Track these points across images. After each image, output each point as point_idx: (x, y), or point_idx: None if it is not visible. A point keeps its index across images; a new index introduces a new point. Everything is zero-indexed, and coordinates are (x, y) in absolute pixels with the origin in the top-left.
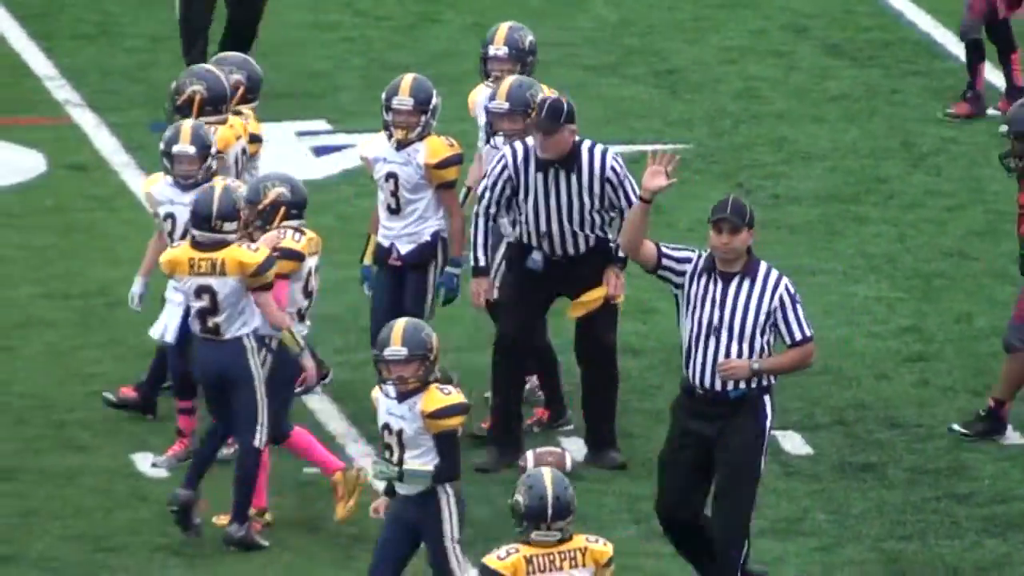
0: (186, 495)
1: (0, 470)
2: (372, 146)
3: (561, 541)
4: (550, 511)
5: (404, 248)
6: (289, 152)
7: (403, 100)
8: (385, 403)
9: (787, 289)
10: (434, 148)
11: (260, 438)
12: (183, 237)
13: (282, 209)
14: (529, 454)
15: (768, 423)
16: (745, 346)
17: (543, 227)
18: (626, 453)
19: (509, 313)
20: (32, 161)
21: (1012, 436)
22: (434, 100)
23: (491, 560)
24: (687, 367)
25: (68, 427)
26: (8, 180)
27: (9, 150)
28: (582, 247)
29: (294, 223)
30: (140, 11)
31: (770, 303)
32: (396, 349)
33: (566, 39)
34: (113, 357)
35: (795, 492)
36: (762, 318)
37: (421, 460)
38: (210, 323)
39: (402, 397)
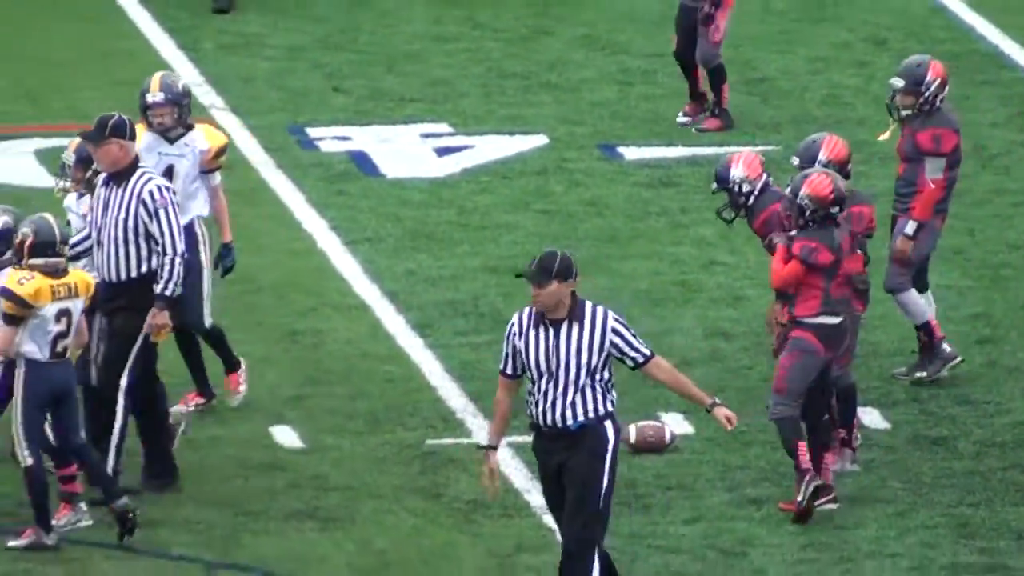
0: (120, 505)
1: None
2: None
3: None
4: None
5: None
6: (414, 152)
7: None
8: None
9: (615, 322)
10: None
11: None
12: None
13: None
14: (632, 427)
15: (611, 445)
16: (583, 383)
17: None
18: (716, 426)
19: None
20: None
21: None
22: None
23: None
24: (531, 408)
25: (214, 402)
26: None
27: None
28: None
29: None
30: (277, 24)
31: (602, 341)
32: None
33: (666, 49)
34: (258, 338)
35: (873, 463)
36: (595, 357)
37: None
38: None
39: None
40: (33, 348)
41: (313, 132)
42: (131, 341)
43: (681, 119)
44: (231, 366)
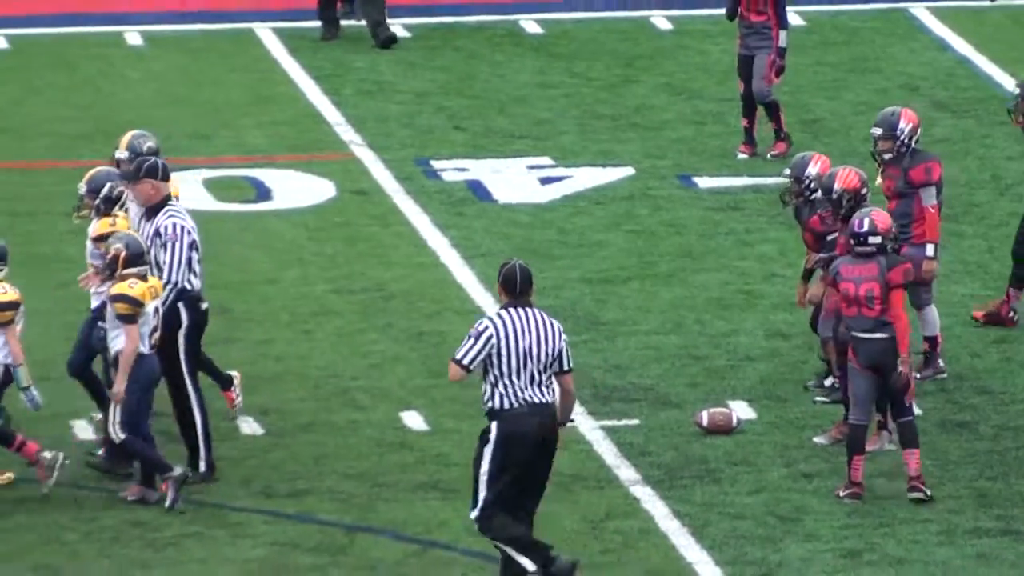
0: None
1: (301, 424)
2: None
3: None
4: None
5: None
6: (521, 181)
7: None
8: None
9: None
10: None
11: None
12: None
13: None
14: (704, 413)
15: (492, 442)
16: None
17: None
18: (775, 412)
19: None
20: (325, 188)
21: None
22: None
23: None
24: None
25: (351, 392)
26: (307, 202)
27: (308, 180)
28: None
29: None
30: (408, 73)
31: None
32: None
33: (733, 95)
34: (389, 338)
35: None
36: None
37: None
38: None
39: None
40: (143, 345)
41: (436, 164)
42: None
43: (740, 155)
44: (224, 384)
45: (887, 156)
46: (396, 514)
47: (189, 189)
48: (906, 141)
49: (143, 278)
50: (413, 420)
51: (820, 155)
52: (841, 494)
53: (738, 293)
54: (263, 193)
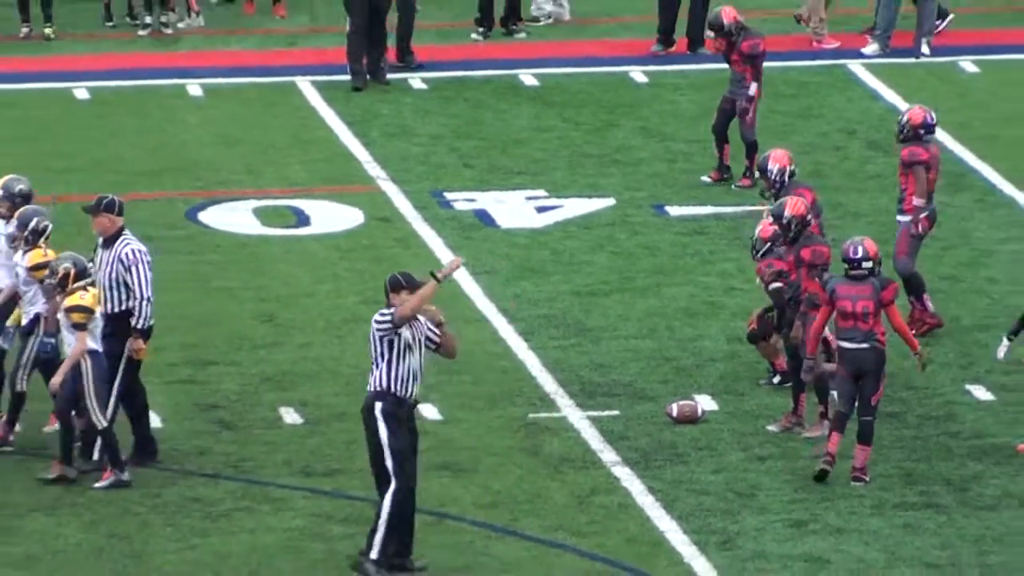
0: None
1: (335, 414)
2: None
3: None
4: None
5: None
6: (520, 210)
7: None
8: None
9: None
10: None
11: None
12: None
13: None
14: (674, 405)
15: (377, 419)
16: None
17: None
18: (733, 404)
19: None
20: (355, 215)
21: (987, 394)
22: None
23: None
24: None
25: None
26: (340, 227)
27: (340, 208)
28: None
29: None
30: (425, 119)
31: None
32: None
33: (701, 136)
34: None
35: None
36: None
37: None
38: None
39: None
40: (94, 344)
41: (449, 195)
42: (118, 360)
43: (704, 179)
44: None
45: (769, 193)
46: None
47: (240, 217)
48: (777, 179)
49: (86, 289)
50: (429, 411)
51: (795, 199)
52: (820, 463)
53: (703, 304)
54: (303, 219)
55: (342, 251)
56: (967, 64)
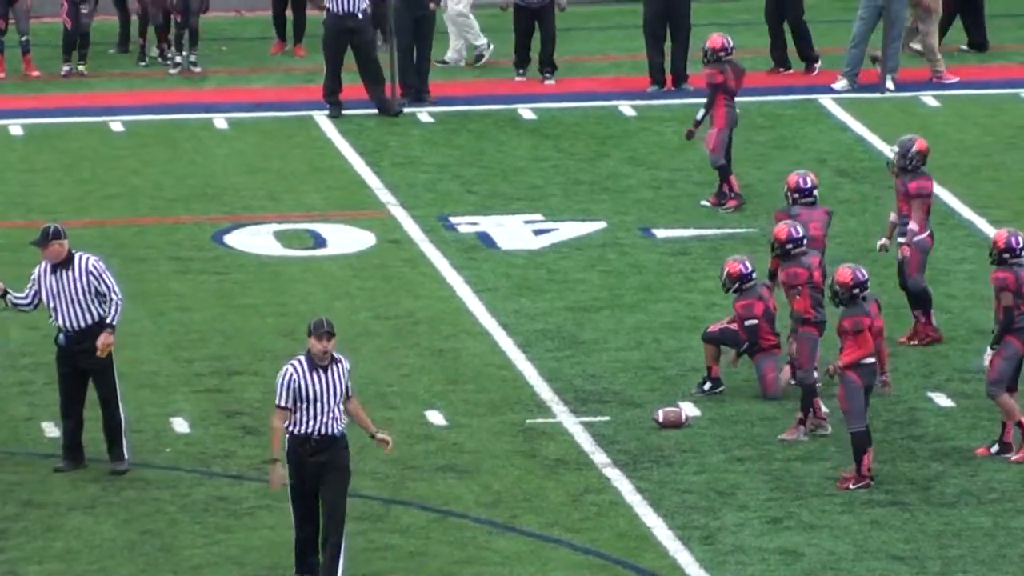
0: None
1: (348, 420)
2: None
3: None
4: None
5: None
6: (519, 233)
7: None
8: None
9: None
10: None
11: None
12: None
13: None
14: (660, 411)
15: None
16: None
17: None
18: (715, 411)
19: None
20: (367, 238)
21: (947, 401)
22: None
23: None
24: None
25: (387, 395)
26: (353, 249)
27: (353, 232)
28: None
29: None
30: (432, 149)
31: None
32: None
33: (684, 166)
34: (416, 354)
35: (816, 434)
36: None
37: None
38: None
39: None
40: None
41: (454, 219)
42: (85, 376)
43: (703, 202)
44: None
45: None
46: (422, 490)
47: (262, 239)
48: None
49: None
50: (435, 417)
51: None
52: (852, 487)
53: (686, 319)
54: (320, 242)
55: (355, 270)
56: (928, 99)
